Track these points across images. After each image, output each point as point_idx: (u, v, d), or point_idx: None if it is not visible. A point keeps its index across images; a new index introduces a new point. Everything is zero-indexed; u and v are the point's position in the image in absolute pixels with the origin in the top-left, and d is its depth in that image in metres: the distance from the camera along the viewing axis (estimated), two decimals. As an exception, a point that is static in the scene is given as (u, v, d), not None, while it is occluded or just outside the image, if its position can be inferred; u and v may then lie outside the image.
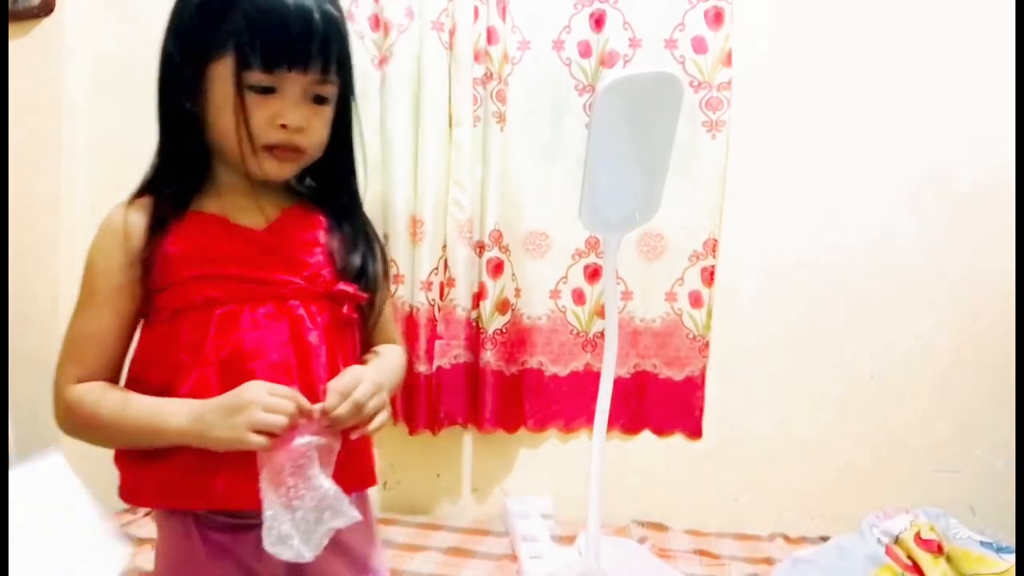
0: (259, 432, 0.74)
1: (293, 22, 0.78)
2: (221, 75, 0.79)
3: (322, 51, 0.80)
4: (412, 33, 1.73)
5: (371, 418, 0.81)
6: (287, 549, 0.74)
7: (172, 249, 0.81)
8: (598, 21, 1.74)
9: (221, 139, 0.82)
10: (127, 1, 1.88)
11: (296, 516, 0.74)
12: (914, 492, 1.72)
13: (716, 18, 1.71)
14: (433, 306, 1.77)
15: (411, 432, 1.79)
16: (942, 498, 1.66)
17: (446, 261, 1.77)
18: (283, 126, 0.81)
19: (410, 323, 1.76)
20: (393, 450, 1.88)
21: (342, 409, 0.78)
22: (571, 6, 1.75)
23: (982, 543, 1.39)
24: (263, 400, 0.75)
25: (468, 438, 1.89)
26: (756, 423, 1.81)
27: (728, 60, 1.72)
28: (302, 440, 0.75)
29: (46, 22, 1.80)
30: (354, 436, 0.80)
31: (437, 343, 1.77)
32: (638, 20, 1.73)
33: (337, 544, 0.86)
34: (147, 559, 1.39)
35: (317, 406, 0.78)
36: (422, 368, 1.75)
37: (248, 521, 0.83)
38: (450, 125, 1.74)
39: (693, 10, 1.72)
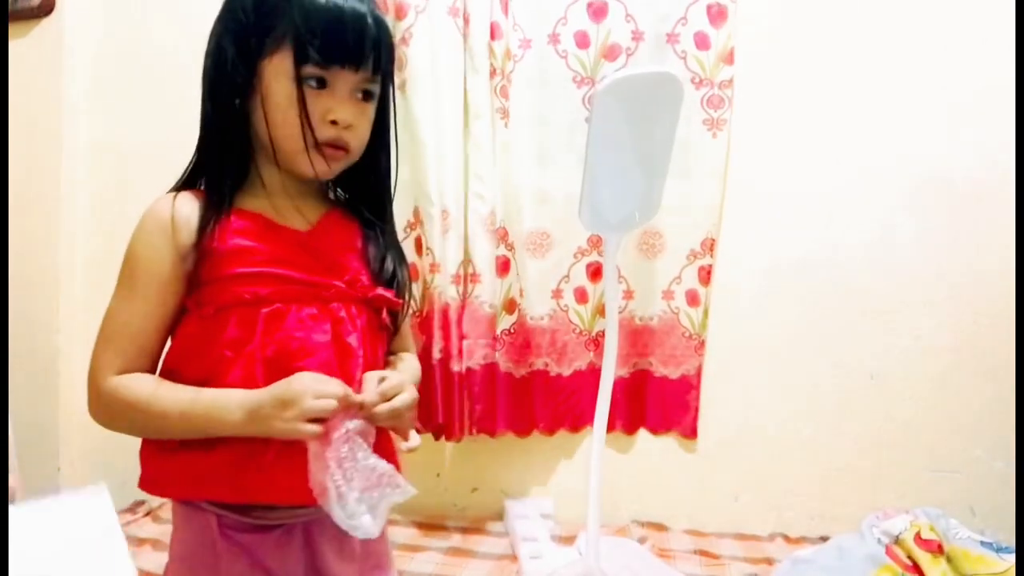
0: (310, 420, 0.76)
1: (349, 20, 0.81)
2: (277, 70, 0.81)
3: (374, 50, 0.83)
4: (426, 18, 1.67)
5: (404, 430, 0.86)
6: (358, 525, 0.75)
7: (220, 245, 0.82)
8: (596, 12, 1.72)
9: (276, 133, 0.83)
10: (127, 1, 1.88)
11: (357, 495, 0.76)
12: (914, 492, 1.72)
13: (719, 14, 1.70)
14: (464, 301, 1.72)
15: (456, 439, 1.74)
16: (942, 498, 1.66)
17: (467, 255, 1.72)
18: (333, 122, 0.83)
19: (443, 319, 1.70)
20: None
21: (381, 409, 0.80)
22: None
23: (982, 543, 1.39)
24: (312, 388, 0.76)
25: (468, 438, 1.89)
26: (756, 423, 1.81)
27: (730, 58, 1.72)
28: (352, 424, 0.77)
29: (46, 22, 1.81)
30: (405, 447, 0.86)
31: (465, 343, 1.73)
32: (640, 13, 1.72)
33: (351, 547, 0.87)
34: (147, 559, 1.40)
35: (358, 397, 0.79)
36: (455, 367, 1.70)
37: (269, 522, 0.85)
38: (466, 114, 1.70)
39: (696, 4, 1.71)
